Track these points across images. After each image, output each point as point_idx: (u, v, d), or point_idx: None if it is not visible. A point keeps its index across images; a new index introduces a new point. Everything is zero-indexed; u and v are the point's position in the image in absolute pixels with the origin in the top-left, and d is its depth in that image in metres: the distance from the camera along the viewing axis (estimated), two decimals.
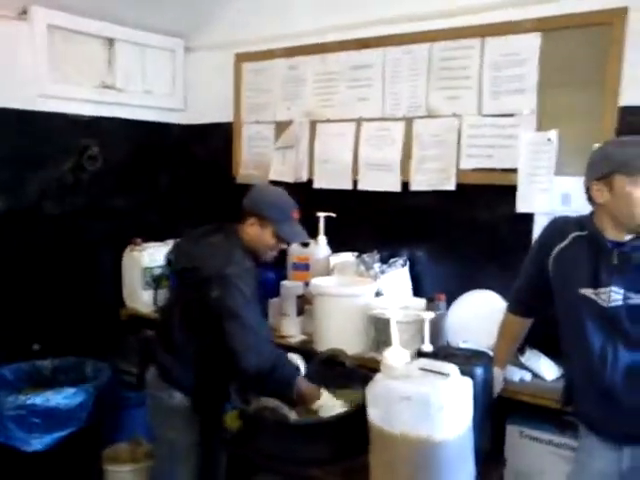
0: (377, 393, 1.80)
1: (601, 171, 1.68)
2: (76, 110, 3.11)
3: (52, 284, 3.01)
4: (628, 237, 1.69)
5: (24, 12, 2.88)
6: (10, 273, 2.87)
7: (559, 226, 1.84)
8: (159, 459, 2.26)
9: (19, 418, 2.39)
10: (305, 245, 2.81)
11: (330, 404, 1.99)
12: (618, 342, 1.68)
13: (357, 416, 1.81)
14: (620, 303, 1.67)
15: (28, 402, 2.40)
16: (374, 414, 1.81)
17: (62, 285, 3.06)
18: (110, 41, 3.27)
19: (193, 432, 2.17)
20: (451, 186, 2.67)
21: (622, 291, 1.66)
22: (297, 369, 2.10)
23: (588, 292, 1.71)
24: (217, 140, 3.48)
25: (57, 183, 3.05)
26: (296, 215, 2.17)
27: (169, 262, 2.25)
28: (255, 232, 2.12)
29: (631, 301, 1.65)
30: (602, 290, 1.69)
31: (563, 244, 1.78)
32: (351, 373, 2.20)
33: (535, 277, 1.89)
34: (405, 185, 2.80)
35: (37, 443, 2.41)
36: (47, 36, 2.98)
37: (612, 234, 1.71)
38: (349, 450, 1.90)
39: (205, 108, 3.53)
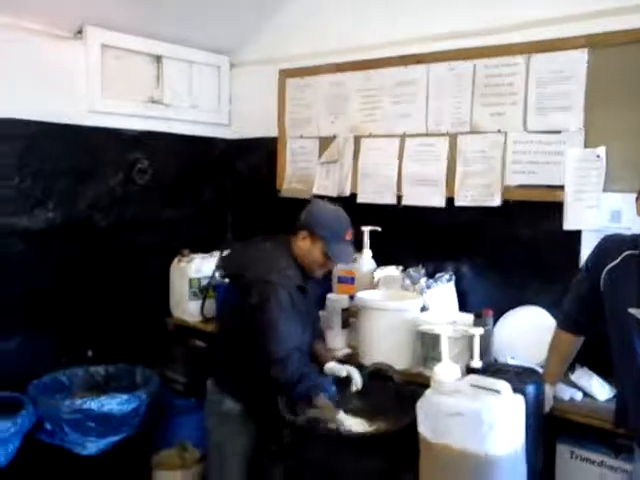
0: (428, 408, 1.83)
1: None
2: (126, 125, 3.22)
3: (103, 293, 3.12)
4: None
5: (80, 32, 3.01)
6: (66, 282, 2.98)
7: (611, 244, 1.84)
8: (210, 463, 2.36)
9: (75, 422, 2.48)
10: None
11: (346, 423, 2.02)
12: None
13: (410, 429, 1.84)
14: None
15: (84, 406, 2.48)
16: (425, 428, 1.84)
17: (113, 294, 3.15)
18: (158, 58, 3.38)
19: (243, 439, 2.23)
20: (496, 202, 2.68)
21: None
22: (323, 384, 2.08)
23: (637, 312, 1.71)
24: (261, 154, 3.56)
25: (108, 195, 3.16)
26: (349, 236, 2.20)
27: (219, 270, 2.34)
28: (306, 247, 2.17)
29: None
30: None
31: (615, 262, 1.78)
32: (398, 389, 2.22)
33: (586, 294, 1.90)
34: (450, 201, 2.82)
35: (92, 447, 2.49)
36: (100, 54, 3.09)
37: None
38: (400, 463, 1.92)
39: (250, 123, 3.61)
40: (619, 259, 1.78)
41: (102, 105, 3.12)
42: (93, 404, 2.49)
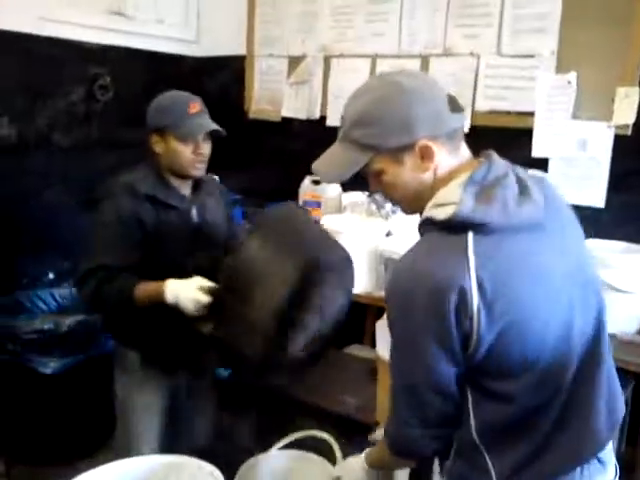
0: (386, 328, 1.86)
1: None
2: (84, 37, 3.03)
3: (62, 213, 3.03)
4: None
5: None
6: (24, 203, 2.89)
7: None
8: (117, 423, 2.03)
9: (37, 341, 2.46)
10: (317, 183, 2.82)
11: (183, 284, 1.65)
12: None
13: None
14: None
15: (45, 327, 2.47)
16: (382, 348, 1.88)
17: (71, 215, 3.07)
18: None
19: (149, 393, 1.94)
20: (465, 127, 2.64)
21: None
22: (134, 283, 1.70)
23: None
24: (230, 73, 3.43)
25: (68, 112, 3.01)
26: (195, 109, 1.85)
27: None
28: (161, 149, 1.85)
29: None
30: None
31: None
32: None
33: None
34: None
35: (54, 366, 2.47)
36: None
37: None
38: None
39: (218, 40, 3.46)
40: None
41: (57, 14, 2.92)
42: (54, 324, 2.47)
